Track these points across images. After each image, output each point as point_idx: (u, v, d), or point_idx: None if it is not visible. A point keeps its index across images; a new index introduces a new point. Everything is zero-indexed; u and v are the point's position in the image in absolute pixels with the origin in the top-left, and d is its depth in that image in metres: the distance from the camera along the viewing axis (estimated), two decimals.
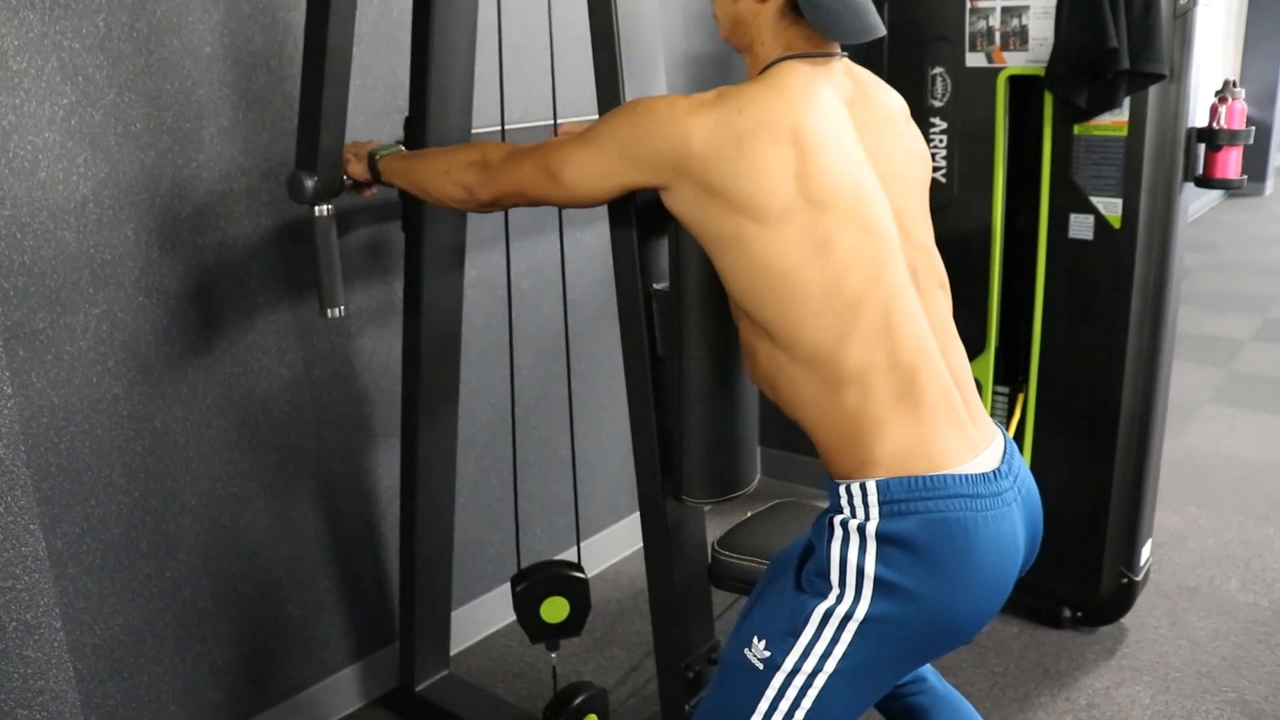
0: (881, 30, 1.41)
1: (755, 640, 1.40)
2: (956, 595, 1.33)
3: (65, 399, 1.88)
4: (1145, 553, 2.65)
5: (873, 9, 1.42)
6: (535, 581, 1.99)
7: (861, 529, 1.32)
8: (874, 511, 1.32)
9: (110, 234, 1.89)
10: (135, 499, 2.01)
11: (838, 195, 1.35)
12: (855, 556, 1.32)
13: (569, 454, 2.88)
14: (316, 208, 1.86)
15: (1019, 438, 2.63)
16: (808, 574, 1.40)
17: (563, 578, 2.00)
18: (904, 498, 1.31)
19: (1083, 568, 2.59)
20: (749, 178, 1.32)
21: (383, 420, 2.42)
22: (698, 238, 1.42)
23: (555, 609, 2.01)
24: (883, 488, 1.32)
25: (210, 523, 2.14)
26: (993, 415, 2.60)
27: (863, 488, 1.33)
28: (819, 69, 1.42)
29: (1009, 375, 2.69)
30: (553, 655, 2.11)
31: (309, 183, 1.84)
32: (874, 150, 1.42)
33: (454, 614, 2.64)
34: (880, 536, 1.31)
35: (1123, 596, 2.61)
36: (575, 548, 2.34)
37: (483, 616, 2.77)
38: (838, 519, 1.35)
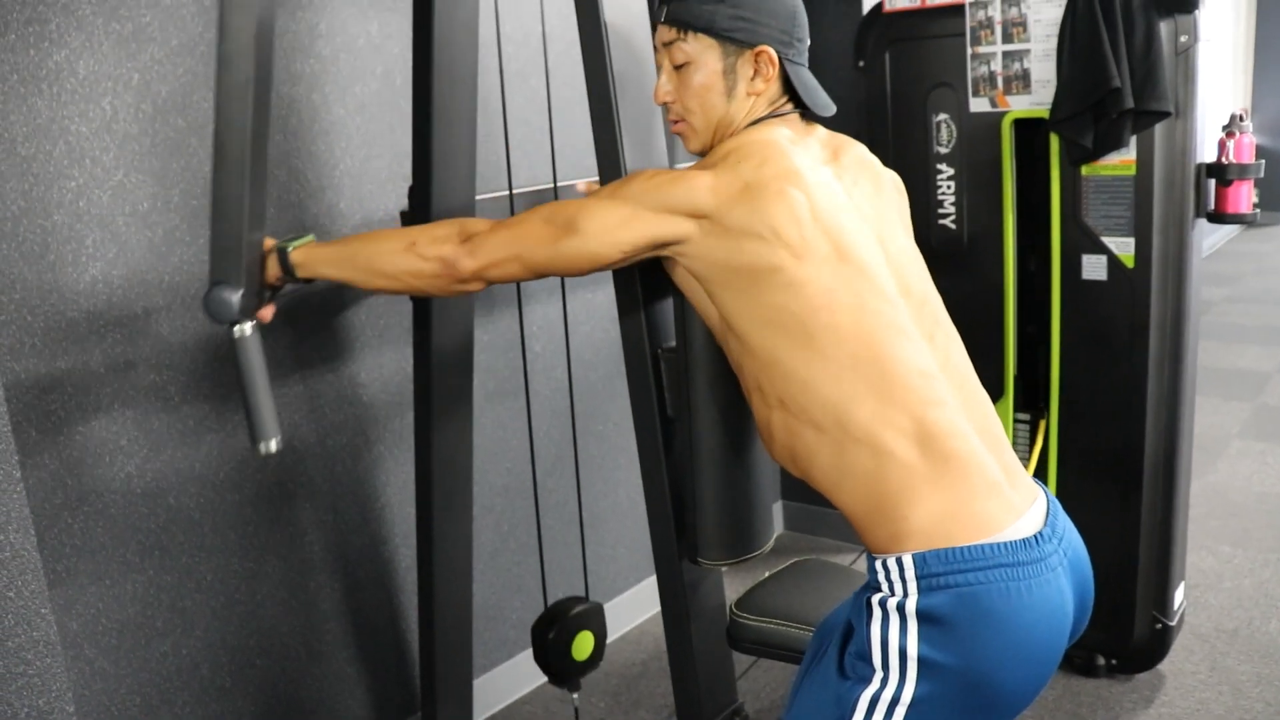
0: (834, 108, 1.55)
1: None
2: (1003, 668, 1.27)
3: (78, 479, 1.88)
4: (1179, 596, 2.59)
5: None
6: (564, 624, 1.99)
7: (901, 607, 1.28)
8: (912, 587, 1.28)
9: (120, 313, 1.90)
10: (150, 577, 2.00)
11: (838, 239, 1.37)
12: (896, 638, 1.28)
13: (589, 515, 2.86)
14: (237, 326, 1.59)
15: (1041, 478, 2.59)
16: (850, 658, 1.35)
17: (585, 613, 2.02)
18: (941, 571, 1.26)
19: (1114, 614, 2.53)
20: (765, 214, 1.35)
21: (398, 488, 2.41)
22: (730, 283, 1.39)
23: (583, 646, 2.00)
24: (919, 561, 1.27)
25: (226, 598, 2.13)
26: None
27: (899, 562, 1.29)
28: (793, 124, 1.50)
29: (1028, 408, 2.65)
30: (575, 696, 2.08)
31: (234, 297, 1.56)
32: (859, 199, 1.45)
33: (476, 682, 2.60)
34: (920, 614, 1.27)
35: (1157, 642, 2.54)
36: (583, 577, 2.31)
37: (506, 683, 2.73)
38: (875, 598, 1.31)
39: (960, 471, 1.32)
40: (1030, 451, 2.60)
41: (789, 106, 1.51)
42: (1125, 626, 2.54)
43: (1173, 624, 2.55)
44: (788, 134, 1.46)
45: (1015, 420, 2.64)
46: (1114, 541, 2.49)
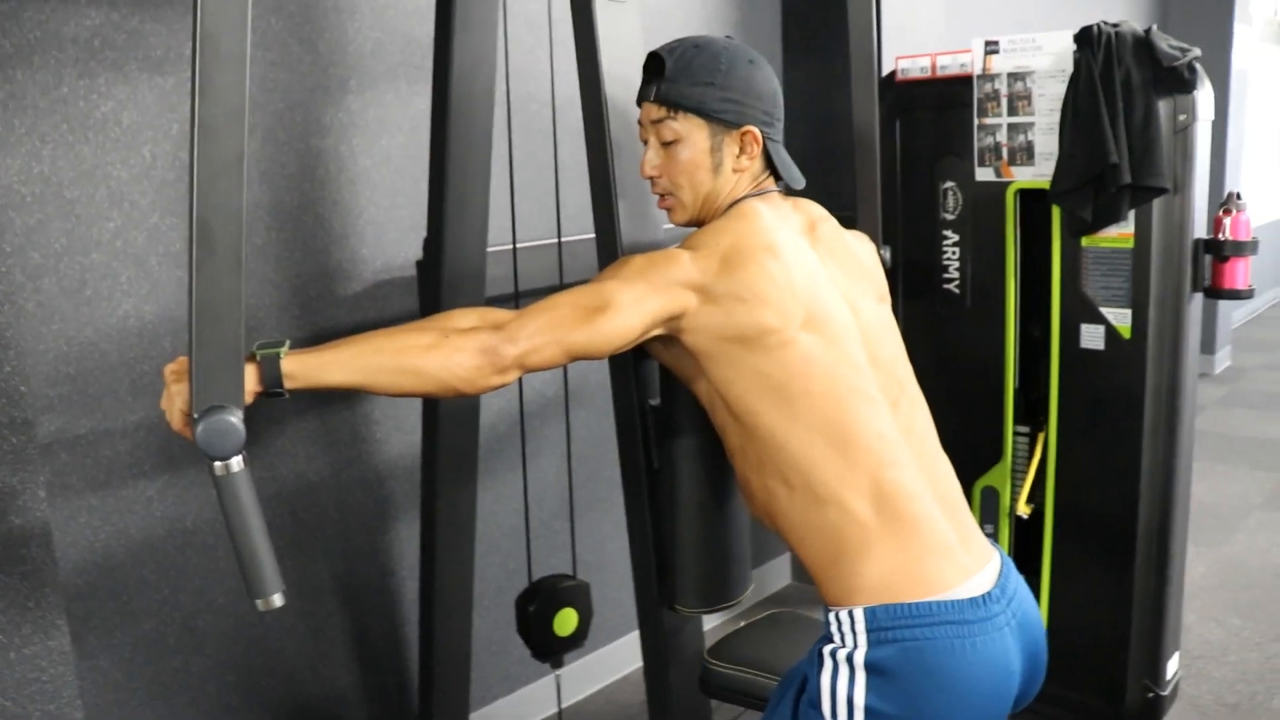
0: (804, 181, 1.63)
1: None
2: None
3: (102, 500, 2.00)
4: (1172, 666, 2.60)
5: None
6: (548, 597, 2.05)
7: (850, 658, 1.35)
8: (861, 640, 1.35)
9: (149, 347, 2.02)
10: (165, 595, 2.11)
11: (813, 308, 1.45)
12: (845, 688, 1.35)
13: (592, 557, 2.93)
14: (224, 462, 1.31)
15: (1036, 543, 2.62)
16: (803, 705, 1.43)
17: (570, 588, 2.07)
18: (889, 625, 1.34)
19: (1106, 681, 2.55)
20: (746, 280, 1.42)
21: (407, 522, 2.50)
22: (725, 355, 1.44)
23: (566, 621, 2.07)
24: (869, 615, 1.35)
25: (237, 620, 2.23)
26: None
27: (850, 615, 1.36)
28: (774, 202, 1.57)
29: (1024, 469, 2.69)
30: (557, 673, 2.15)
31: (240, 421, 1.30)
32: (833, 270, 1.52)
33: (476, 714, 2.67)
34: (868, 666, 1.34)
35: (1149, 712, 2.55)
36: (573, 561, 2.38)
37: (505, 717, 2.80)
38: (827, 649, 1.38)
39: (912, 531, 1.39)
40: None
41: (770, 182, 1.59)
42: (1117, 694, 2.55)
43: (1165, 694, 2.56)
44: (767, 210, 1.53)
45: (1013, 482, 2.68)
46: (1106, 608, 2.52)
